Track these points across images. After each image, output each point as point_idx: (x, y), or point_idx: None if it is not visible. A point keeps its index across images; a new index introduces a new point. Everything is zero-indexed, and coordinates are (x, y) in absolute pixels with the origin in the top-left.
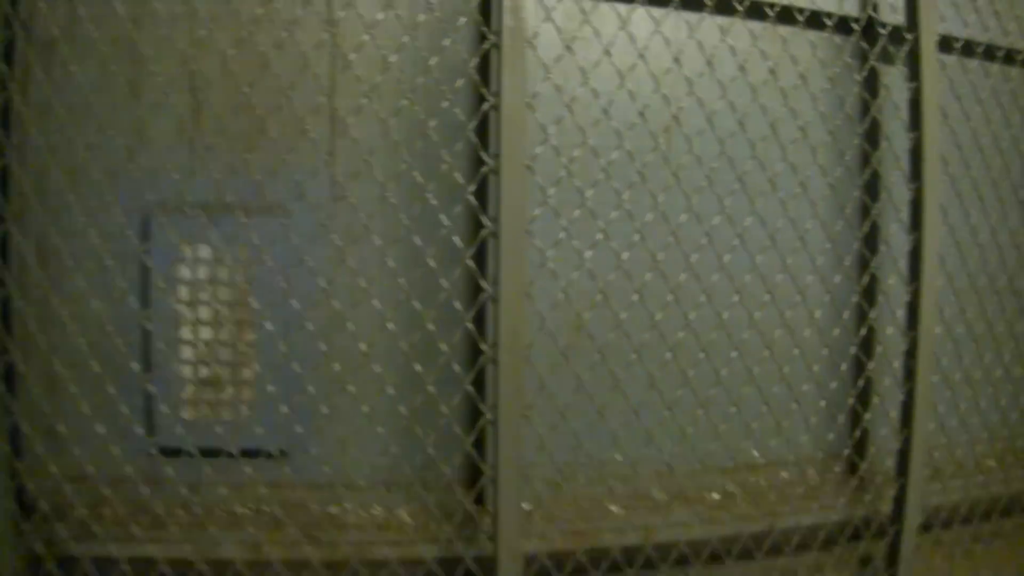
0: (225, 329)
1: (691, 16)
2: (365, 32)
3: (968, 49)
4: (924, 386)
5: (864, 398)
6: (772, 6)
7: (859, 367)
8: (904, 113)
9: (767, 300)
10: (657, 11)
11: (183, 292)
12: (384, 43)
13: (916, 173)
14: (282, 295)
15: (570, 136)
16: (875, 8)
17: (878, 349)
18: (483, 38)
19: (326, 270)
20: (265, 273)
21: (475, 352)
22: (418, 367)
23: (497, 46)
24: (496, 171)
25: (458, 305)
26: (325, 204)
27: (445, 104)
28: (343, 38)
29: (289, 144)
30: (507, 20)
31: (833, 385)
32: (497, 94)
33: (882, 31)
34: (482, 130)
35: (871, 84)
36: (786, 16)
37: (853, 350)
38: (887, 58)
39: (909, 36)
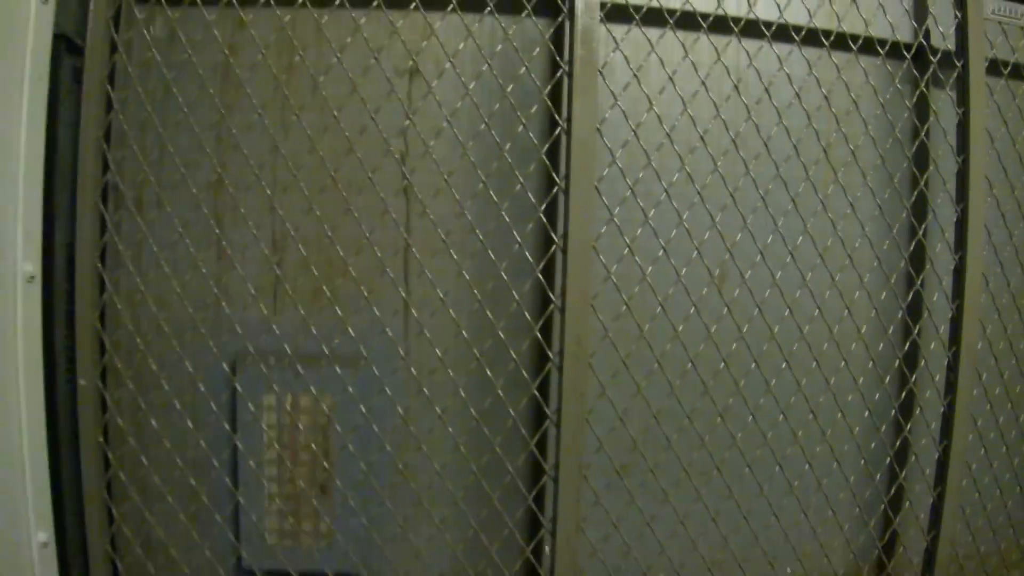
0: (304, 465)
1: (751, 45)
2: (446, 60)
3: (1017, 73)
4: (963, 404)
5: (901, 462)
6: (828, 34)
7: (903, 380)
8: (952, 137)
9: (816, 315)
10: (719, 40)
11: (266, 432)
12: (464, 71)
13: (962, 194)
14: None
15: (635, 159)
16: (927, 35)
17: (921, 364)
18: (556, 67)
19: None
20: (342, 412)
21: (541, 363)
22: (490, 372)
23: (569, 74)
24: (566, 191)
25: (527, 315)
26: (403, 220)
27: (520, 129)
28: (425, 66)
29: (370, 167)
30: (579, 50)
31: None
32: (568, 119)
33: (932, 57)
34: (553, 153)
35: (921, 109)
36: (841, 43)
37: (897, 363)
38: (937, 83)
39: (958, 62)
